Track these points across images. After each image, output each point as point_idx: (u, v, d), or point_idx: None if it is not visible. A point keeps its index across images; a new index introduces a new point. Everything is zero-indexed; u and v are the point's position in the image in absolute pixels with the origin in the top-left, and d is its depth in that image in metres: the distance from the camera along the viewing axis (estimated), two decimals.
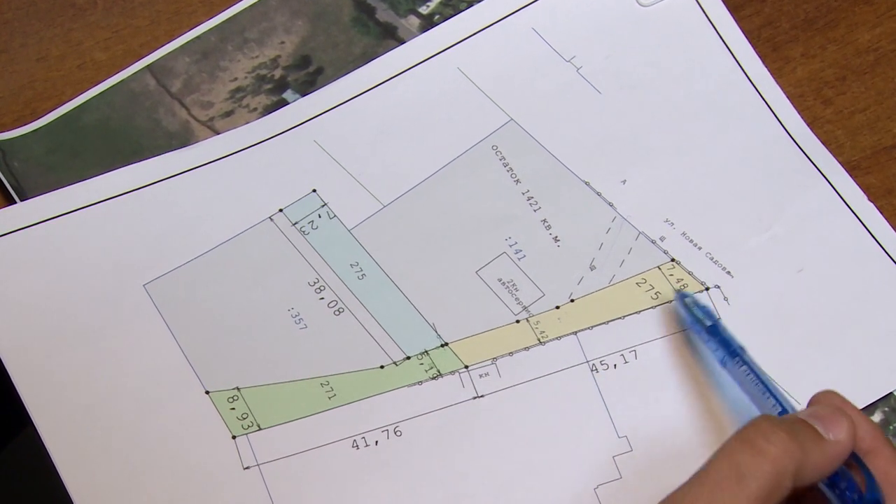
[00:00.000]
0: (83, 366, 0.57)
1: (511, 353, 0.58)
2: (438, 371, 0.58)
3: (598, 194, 0.62)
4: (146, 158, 0.62)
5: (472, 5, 0.67)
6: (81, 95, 0.65)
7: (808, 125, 0.64)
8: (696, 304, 0.56)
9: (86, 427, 0.56)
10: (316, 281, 0.60)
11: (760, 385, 0.51)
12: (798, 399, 0.57)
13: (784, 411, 0.49)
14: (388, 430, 0.57)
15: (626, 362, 0.58)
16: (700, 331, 0.56)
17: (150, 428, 0.56)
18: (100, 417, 0.56)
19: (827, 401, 0.47)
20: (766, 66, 0.65)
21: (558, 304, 0.59)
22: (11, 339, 0.58)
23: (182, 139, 0.64)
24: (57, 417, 0.56)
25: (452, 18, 0.66)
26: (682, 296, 0.57)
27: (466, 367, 0.58)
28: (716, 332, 0.55)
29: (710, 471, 0.43)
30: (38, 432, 0.56)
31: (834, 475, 0.45)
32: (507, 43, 0.66)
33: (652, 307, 0.59)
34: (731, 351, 0.54)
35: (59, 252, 0.60)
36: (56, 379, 0.57)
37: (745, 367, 0.53)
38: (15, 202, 0.61)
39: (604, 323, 0.59)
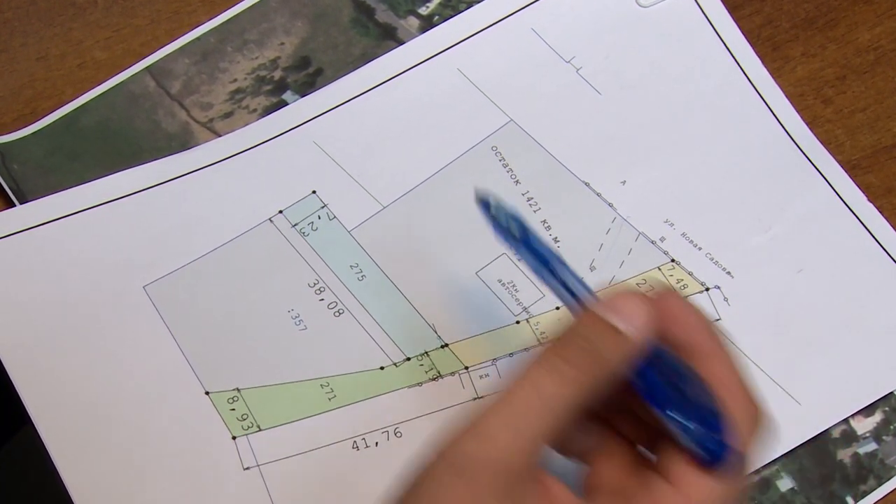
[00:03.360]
0: (83, 367, 0.57)
1: (511, 354, 0.58)
2: (438, 372, 0.58)
3: (598, 195, 0.62)
4: (146, 160, 0.62)
5: (471, 6, 0.67)
6: (80, 97, 0.65)
7: (808, 124, 0.64)
8: (503, 210, 0.46)
9: (86, 428, 0.56)
10: (316, 282, 0.60)
11: (571, 298, 0.44)
12: (798, 400, 0.57)
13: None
14: (388, 432, 0.57)
15: None
16: (510, 243, 0.46)
17: (151, 429, 0.56)
18: (100, 418, 0.56)
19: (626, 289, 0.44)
20: (766, 66, 0.65)
21: (558, 305, 0.59)
22: (12, 340, 0.58)
23: (182, 141, 0.64)
24: (58, 419, 0.56)
25: (452, 19, 0.66)
26: (484, 202, 0.47)
27: (466, 368, 0.58)
28: (528, 245, 0.46)
29: (511, 396, 0.40)
30: (39, 433, 0.56)
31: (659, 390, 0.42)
32: (506, 44, 0.66)
33: None
34: (543, 262, 0.45)
35: (59, 254, 0.60)
36: (56, 380, 0.57)
37: (555, 281, 0.45)
38: (14, 205, 0.61)
39: None
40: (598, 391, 0.41)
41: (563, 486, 0.43)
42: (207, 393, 0.57)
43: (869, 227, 0.61)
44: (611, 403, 0.45)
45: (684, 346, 0.43)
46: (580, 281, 0.44)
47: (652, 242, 0.61)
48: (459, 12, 0.67)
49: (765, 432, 0.42)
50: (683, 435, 0.41)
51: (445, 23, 0.66)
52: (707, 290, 0.60)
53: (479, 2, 0.67)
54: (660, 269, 0.60)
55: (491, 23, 0.66)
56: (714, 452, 0.41)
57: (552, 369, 0.40)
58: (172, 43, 0.67)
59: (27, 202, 0.61)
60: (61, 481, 0.55)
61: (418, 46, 0.66)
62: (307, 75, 0.66)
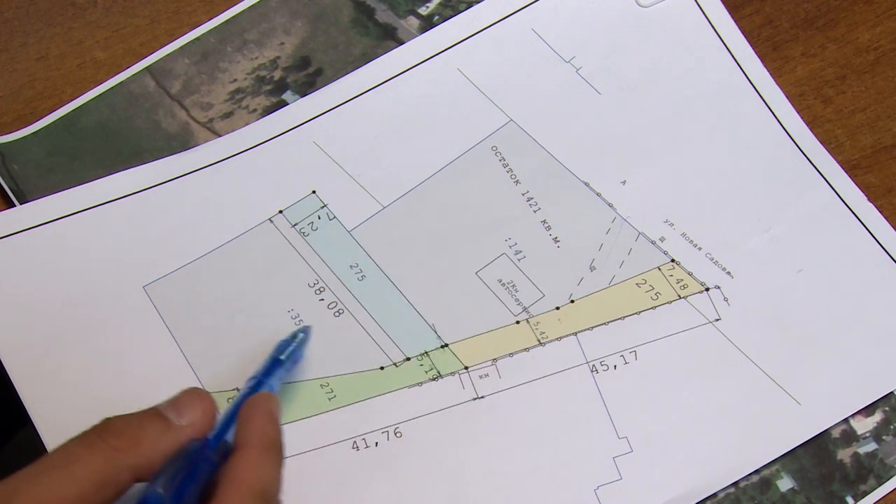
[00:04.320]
0: (83, 367, 0.57)
1: (511, 354, 0.58)
2: (438, 372, 0.58)
3: (598, 195, 0.62)
4: (146, 160, 0.62)
5: (471, 6, 0.67)
6: (80, 97, 0.65)
7: (808, 124, 0.64)
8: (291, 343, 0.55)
9: (86, 427, 0.56)
10: (316, 282, 0.60)
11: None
12: (798, 400, 0.57)
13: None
14: (388, 432, 0.57)
15: (626, 363, 0.58)
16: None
17: None
18: (100, 418, 0.56)
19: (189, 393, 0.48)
20: (766, 66, 0.65)
21: (558, 305, 0.59)
22: (12, 340, 0.58)
23: (182, 141, 0.64)
24: (57, 419, 0.56)
25: (452, 19, 0.66)
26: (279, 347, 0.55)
27: (466, 368, 0.58)
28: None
29: (43, 460, 0.43)
30: (39, 433, 0.56)
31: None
32: (506, 43, 0.66)
33: (652, 308, 0.59)
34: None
35: (59, 254, 0.60)
36: (56, 380, 0.57)
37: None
38: (14, 205, 0.61)
39: (604, 324, 0.59)
40: (138, 472, 0.44)
41: None
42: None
43: (869, 227, 0.61)
44: None
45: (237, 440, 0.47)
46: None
47: (652, 242, 0.61)
48: (459, 12, 0.67)
49: None
50: None
51: (445, 23, 0.66)
52: (707, 290, 0.60)
53: (479, 2, 0.67)
54: (660, 269, 0.60)
55: (491, 23, 0.66)
56: None
57: (90, 433, 0.44)
58: (172, 43, 0.67)
59: (27, 202, 0.61)
60: None
61: (418, 46, 0.66)
62: (307, 75, 0.66)
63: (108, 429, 0.44)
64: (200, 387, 0.57)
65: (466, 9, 0.67)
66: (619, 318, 0.59)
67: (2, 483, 0.42)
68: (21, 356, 0.57)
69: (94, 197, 0.61)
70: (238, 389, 0.57)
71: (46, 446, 0.55)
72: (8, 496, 0.41)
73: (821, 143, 0.64)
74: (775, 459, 0.56)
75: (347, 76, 0.65)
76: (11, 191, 0.62)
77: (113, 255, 0.60)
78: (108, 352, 0.58)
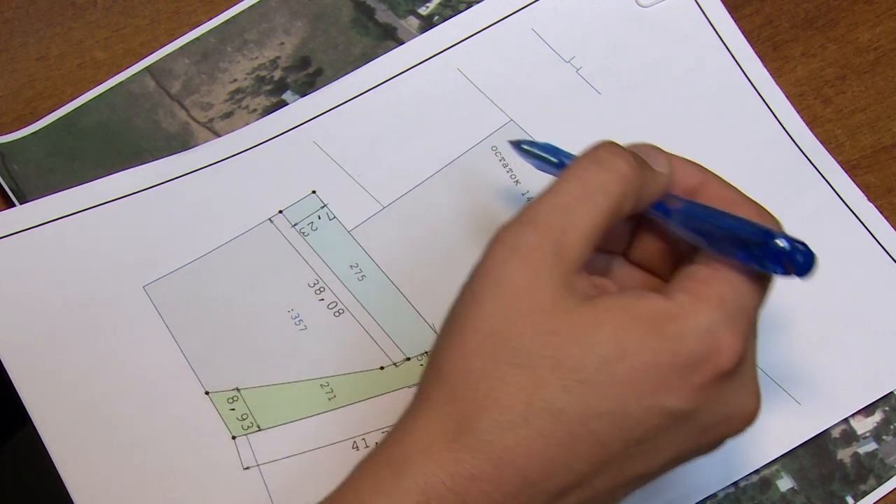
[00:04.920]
0: (83, 367, 0.57)
1: None
2: None
3: None
4: (146, 160, 0.62)
5: (471, 6, 0.67)
6: (80, 97, 0.65)
7: (808, 124, 0.64)
8: (535, 145, 0.52)
9: (86, 427, 0.56)
10: (316, 282, 0.60)
11: None
12: (798, 400, 0.57)
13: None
14: (388, 432, 0.56)
15: None
16: (552, 170, 0.52)
17: (150, 428, 0.56)
18: (100, 418, 0.56)
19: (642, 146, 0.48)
20: (766, 66, 0.65)
21: None
22: (12, 340, 0.58)
23: (182, 141, 0.64)
24: (57, 418, 0.56)
25: (452, 19, 0.66)
26: (517, 145, 0.53)
27: None
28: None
29: (562, 187, 0.44)
30: (39, 433, 0.56)
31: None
32: (506, 43, 0.66)
33: None
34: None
35: (59, 254, 0.60)
36: (56, 380, 0.57)
37: None
38: (14, 205, 0.61)
39: None
40: (638, 201, 0.45)
41: (609, 281, 0.48)
42: (207, 393, 0.57)
43: (869, 227, 0.61)
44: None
45: (686, 187, 0.47)
46: None
47: None
48: (459, 12, 0.67)
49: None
50: (767, 252, 0.43)
51: (445, 23, 0.66)
52: None
53: (479, 2, 0.67)
54: None
55: (491, 23, 0.66)
56: (800, 263, 0.43)
57: (599, 162, 0.44)
58: (172, 43, 0.67)
59: (27, 202, 0.61)
60: (61, 481, 0.55)
61: (418, 46, 0.66)
62: (307, 75, 0.66)
63: (619, 161, 0.44)
64: (200, 386, 0.57)
65: (466, 9, 0.67)
66: None
67: (533, 216, 0.43)
68: (21, 356, 0.57)
69: (94, 197, 0.61)
70: (238, 389, 0.57)
71: (47, 446, 0.55)
72: (547, 226, 0.43)
73: (821, 143, 0.64)
74: (775, 459, 0.56)
75: (347, 76, 0.65)
76: (11, 191, 0.62)
77: (113, 255, 0.60)
78: (108, 352, 0.58)
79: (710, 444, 0.46)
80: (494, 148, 0.63)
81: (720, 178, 0.48)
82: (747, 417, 0.46)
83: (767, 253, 0.43)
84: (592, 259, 0.46)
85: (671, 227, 0.47)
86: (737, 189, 0.47)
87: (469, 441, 0.41)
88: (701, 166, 0.48)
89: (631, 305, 0.43)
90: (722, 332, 0.43)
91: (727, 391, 0.44)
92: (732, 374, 0.43)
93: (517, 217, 0.44)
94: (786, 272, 0.43)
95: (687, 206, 0.46)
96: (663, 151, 0.47)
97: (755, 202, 0.46)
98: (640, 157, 0.46)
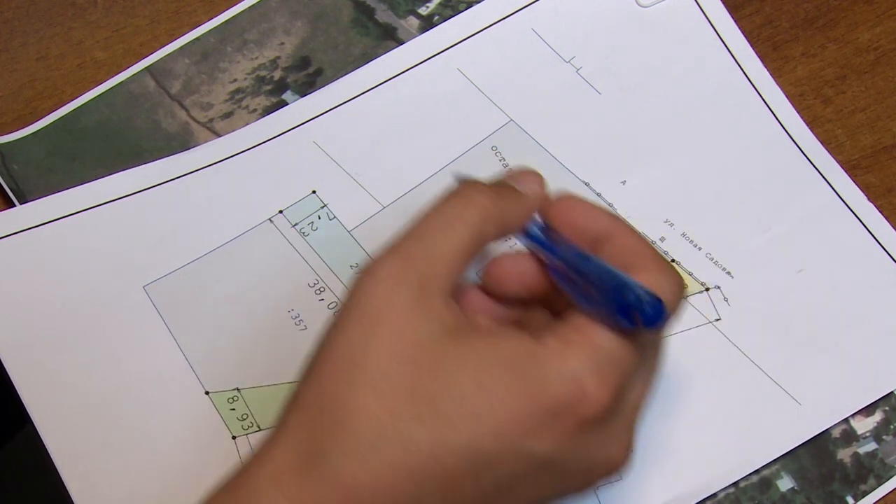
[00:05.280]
0: (83, 367, 0.57)
1: None
2: None
3: (598, 195, 0.62)
4: (146, 160, 0.62)
5: (471, 6, 0.67)
6: (80, 97, 0.65)
7: (808, 124, 0.64)
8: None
9: (86, 428, 0.56)
10: (316, 282, 0.60)
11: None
12: (798, 400, 0.57)
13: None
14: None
15: None
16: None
17: (150, 428, 0.56)
18: (100, 418, 0.56)
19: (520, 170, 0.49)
20: (766, 66, 0.65)
21: None
22: (12, 340, 0.58)
23: (182, 141, 0.64)
24: (58, 418, 0.56)
25: (452, 19, 0.66)
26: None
27: None
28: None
29: (422, 221, 0.45)
30: (39, 433, 0.56)
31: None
32: (506, 43, 0.66)
33: None
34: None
35: (59, 254, 0.60)
36: (56, 380, 0.57)
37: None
38: (14, 205, 0.61)
39: None
40: (502, 227, 0.46)
41: (485, 316, 0.47)
42: (207, 393, 0.57)
43: (869, 227, 0.61)
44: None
45: (591, 234, 0.46)
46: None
47: (652, 242, 0.61)
48: (459, 12, 0.67)
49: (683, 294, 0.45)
50: (611, 305, 0.42)
51: (445, 23, 0.66)
52: (707, 290, 0.60)
53: (479, 2, 0.67)
54: None
55: (491, 23, 0.66)
56: (648, 315, 0.41)
57: (457, 195, 0.45)
58: (172, 43, 0.67)
59: (27, 202, 0.61)
60: (61, 481, 0.55)
61: (418, 46, 0.66)
62: (307, 75, 0.66)
63: (474, 193, 0.45)
64: (200, 386, 0.57)
65: (466, 9, 0.67)
66: None
67: (395, 248, 0.44)
68: (21, 356, 0.57)
69: (94, 197, 0.61)
70: (238, 389, 0.57)
71: (47, 446, 0.55)
72: (408, 255, 0.43)
73: (821, 143, 0.64)
74: (775, 459, 0.56)
75: (347, 76, 0.65)
76: (11, 190, 0.62)
77: (113, 255, 0.60)
78: (109, 352, 0.58)
79: (573, 489, 0.45)
80: (494, 148, 0.63)
81: (631, 227, 0.47)
82: (613, 467, 0.45)
83: (620, 303, 0.42)
84: (506, 310, 0.48)
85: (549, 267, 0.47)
86: (645, 241, 0.46)
87: (317, 470, 0.40)
88: (612, 215, 0.47)
89: (497, 344, 0.42)
90: (588, 379, 0.41)
91: (593, 440, 0.43)
92: (599, 423, 0.42)
93: (384, 249, 0.44)
94: (633, 324, 0.41)
95: (558, 246, 0.46)
96: (535, 173, 0.48)
97: (661, 258, 0.45)
98: (499, 187, 0.46)
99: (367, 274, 0.43)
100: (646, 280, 0.43)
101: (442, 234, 0.44)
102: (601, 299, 0.42)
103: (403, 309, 0.42)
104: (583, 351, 0.42)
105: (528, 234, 0.47)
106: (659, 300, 0.41)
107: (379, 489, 0.40)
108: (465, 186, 0.46)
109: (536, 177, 0.48)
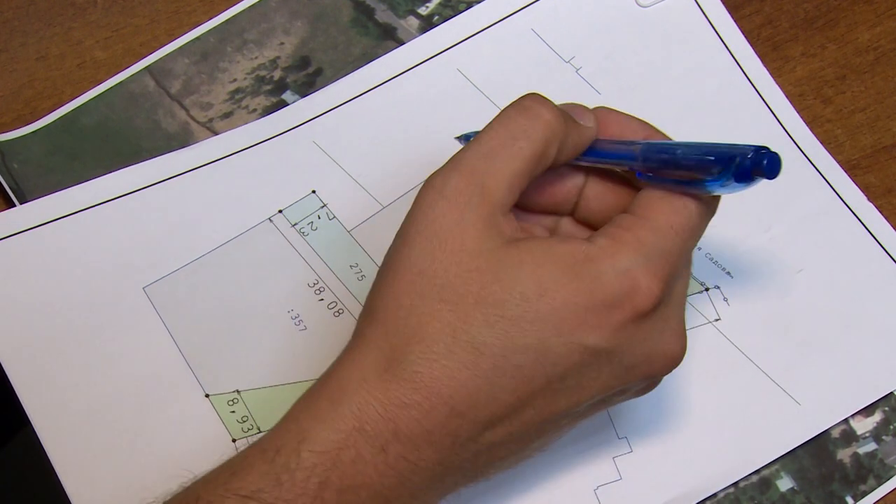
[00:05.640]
0: (83, 369, 0.57)
1: None
2: None
3: None
4: (145, 160, 0.62)
5: (471, 6, 0.67)
6: (80, 97, 0.65)
7: (808, 124, 0.64)
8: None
9: (85, 430, 0.56)
10: (316, 282, 0.60)
11: None
12: (798, 400, 0.57)
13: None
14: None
15: None
16: None
17: (150, 431, 0.56)
18: (99, 420, 0.56)
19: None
20: (766, 66, 0.65)
21: None
22: (11, 342, 0.57)
23: (181, 140, 0.64)
24: (57, 420, 0.56)
25: (452, 20, 0.66)
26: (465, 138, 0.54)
27: None
28: None
29: (486, 134, 0.46)
30: (38, 435, 0.55)
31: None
32: (506, 44, 0.66)
33: None
34: None
35: (58, 255, 0.60)
36: (56, 382, 0.57)
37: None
38: (14, 204, 0.61)
39: None
40: (563, 150, 0.47)
41: (540, 227, 0.50)
42: (207, 395, 0.57)
43: (869, 227, 0.61)
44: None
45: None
46: None
47: None
48: (459, 12, 0.67)
49: None
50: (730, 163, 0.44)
51: (446, 23, 0.66)
52: (707, 290, 0.60)
53: (478, 2, 0.67)
54: None
55: (491, 23, 0.66)
56: (767, 165, 0.43)
57: (523, 110, 0.47)
58: (172, 43, 0.67)
59: (27, 202, 0.61)
60: (60, 484, 0.55)
61: (418, 47, 0.66)
62: (307, 75, 0.66)
63: (541, 108, 0.46)
64: (200, 389, 0.57)
65: (466, 9, 0.66)
66: None
67: (459, 162, 0.46)
68: (20, 358, 0.57)
69: (94, 196, 0.61)
70: (238, 392, 0.57)
71: (46, 449, 0.55)
72: (472, 171, 0.45)
73: (821, 143, 0.63)
74: (775, 459, 0.56)
75: (347, 77, 0.65)
76: (11, 190, 0.62)
77: (113, 255, 0.60)
78: (108, 354, 0.58)
79: (635, 383, 0.48)
80: None
81: (664, 134, 0.50)
82: (670, 358, 0.48)
83: (732, 167, 0.44)
84: (539, 219, 0.50)
85: (625, 168, 0.49)
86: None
87: (399, 372, 0.44)
88: (647, 123, 0.50)
89: (552, 248, 0.45)
90: (639, 273, 0.45)
91: (647, 331, 0.46)
92: (652, 315, 0.45)
93: (446, 164, 0.46)
94: (750, 179, 0.44)
95: (645, 145, 0.48)
96: (590, 110, 0.50)
97: None
98: (565, 110, 0.48)
99: (431, 188, 0.46)
100: None
101: (506, 150, 0.46)
102: (704, 174, 0.44)
103: (467, 224, 0.45)
104: (632, 246, 0.45)
105: (595, 153, 0.49)
106: (767, 148, 0.44)
107: (457, 388, 0.44)
108: (531, 100, 0.47)
109: (592, 114, 0.49)
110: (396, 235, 0.46)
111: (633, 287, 0.44)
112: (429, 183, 0.46)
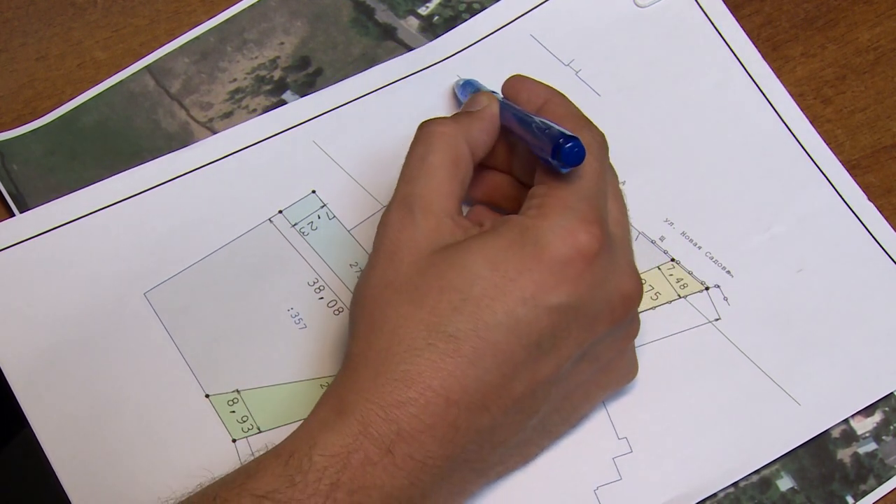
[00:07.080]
0: (84, 373, 0.57)
1: None
2: None
3: None
4: (146, 160, 0.62)
5: (470, 6, 0.66)
6: (80, 96, 0.65)
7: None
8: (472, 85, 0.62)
9: (86, 433, 0.56)
10: (316, 281, 0.60)
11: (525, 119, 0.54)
12: (798, 400, 0.57)
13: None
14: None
15: None
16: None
17: (151, 433, 0.56)
18: (100, 423, 0.56)
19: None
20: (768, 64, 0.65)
21: None
22: (13, 348, 0.57)
23: (181, 140, 0.64)
24: (57, 423, 0.56)
25: (452, 31, 0.66)
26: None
27: None
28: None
29: (405, 166, 0.52)
30: (38, 439, 0.55)
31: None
32: (505, 50, 0.66)
33: (652, 307, 0.59)
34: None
35: (59, 262, 0.59)
36: (57, 386, 0.56)
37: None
38: (13, 210, 0.61)
39: None
40: (473, 142, 0.53)
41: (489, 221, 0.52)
42: (207, 396, 0.57)
43: (869, 227, 0.61)
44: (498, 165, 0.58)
45: (536, 103, 0.55)
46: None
47: (652, 242, 0.61)
48: (459, 12, 0.67)
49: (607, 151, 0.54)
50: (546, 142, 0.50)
51: (447, 34, 0.66)
52: (707, 289, 0.60)
53: (478, 2, 0.67)
54: (659, 268, 0.60)
55: (490, 32, 0.66)
56: (567, 152, 0.49)
57: (421, 133, 0.53)
58: (172, 42, 0.67)
59: (27, 209, 0.61)
60: (61, 487, 0.54)
61: (419, 56, 0.66)
62: (307, 75, 0.66)
63: (432, 126, 0.53)
64: (201, 389, 0.57)
65: (466, 9, 0.66)
66: None
67: (395, 196, 0.52)
68: (22, 365, 0.57)
69: (93, 202, 0.61)
70: (238, 391, 0.57)
71: (46, 453, 0.55)
72: (404, 197, 0.51)
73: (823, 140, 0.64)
74: (775, 459, 0.56)
75: (347, 80, 0.65)
76: (11, 196, 0.61)
77: (112, 262, 0.60)
78: (108, 360, 0.57)
79: (603, 331, 0.50)
80: None
81: (564, 97, 0.55)
82: (627, 296, 0.51)
83: (553, 146, 0.49)
84: (487, 179, 0.57)
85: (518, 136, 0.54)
86: (574, 106, 0.54)
87: (390, 374, 0.47)
88: (550, 88, 0.56)
89: (496, 230, 0.49)
90: (574, 224, 0.48)
91: (600, 276, 0.49)
92: (600, 256, 0.49)
93: (389, 201, 0.52)
94: (557, 160, 0.49)
95: (507, 109, 0.55)
96: (483, 94, 0.56)
97: (584, 118, 0.54)
98: (459, 115, 0.55)
99: (382, 225, 0.51)
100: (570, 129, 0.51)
101: (423, 172, 0.51)
102: (546, 148, 0.50)
103: (419, 236, 0.50)
104: (558, 206, 0.49)
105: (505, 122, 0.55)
106: (575, 137, 0.49)
107: (446, 377, 0.46)
108: (424, 123, 0.53)
109: (484, 95, 0.56)
110: (364, 268, 0.51)
111: (574, 238, 0.48)
112: (381, 221, 0.51)
